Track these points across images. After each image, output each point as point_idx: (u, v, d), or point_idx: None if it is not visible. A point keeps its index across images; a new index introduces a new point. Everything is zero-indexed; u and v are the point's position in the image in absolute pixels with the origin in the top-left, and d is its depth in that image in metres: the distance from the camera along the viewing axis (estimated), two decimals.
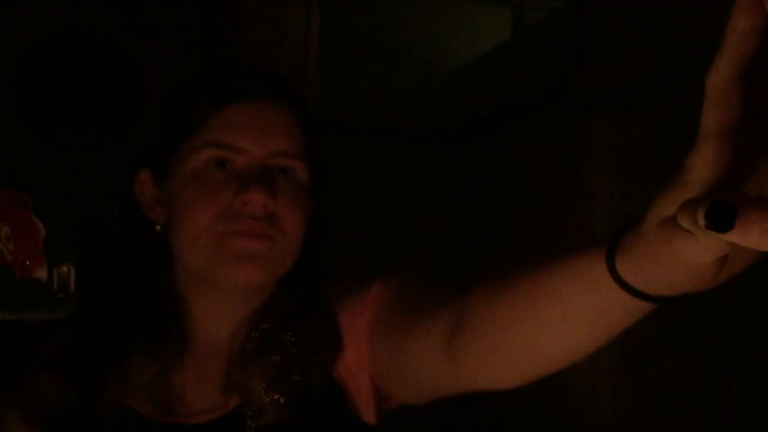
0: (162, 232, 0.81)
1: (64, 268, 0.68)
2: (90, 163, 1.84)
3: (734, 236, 0.33)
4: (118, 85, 1.93)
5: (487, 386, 0.68)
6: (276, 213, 0.77)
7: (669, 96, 1.69)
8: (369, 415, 0.81)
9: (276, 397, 0.78)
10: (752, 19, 0.37)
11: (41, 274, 0.67)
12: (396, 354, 0.76)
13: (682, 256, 0.41)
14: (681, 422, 1.64)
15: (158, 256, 0.81)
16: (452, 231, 2.65)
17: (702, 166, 0.40)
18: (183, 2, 1.95)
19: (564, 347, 0.60)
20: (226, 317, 0.82)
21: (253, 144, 0.77)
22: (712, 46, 0.40)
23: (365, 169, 2.55)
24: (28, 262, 0.67)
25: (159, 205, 0.81)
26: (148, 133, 0.88)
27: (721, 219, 0.33)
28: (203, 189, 0.77)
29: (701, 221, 0.34)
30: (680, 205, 0.36)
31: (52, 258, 0.67)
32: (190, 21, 1.95)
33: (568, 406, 1.95)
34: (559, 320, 0.57)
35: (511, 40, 2.69)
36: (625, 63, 1.84)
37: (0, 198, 0.65)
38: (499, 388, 0.67)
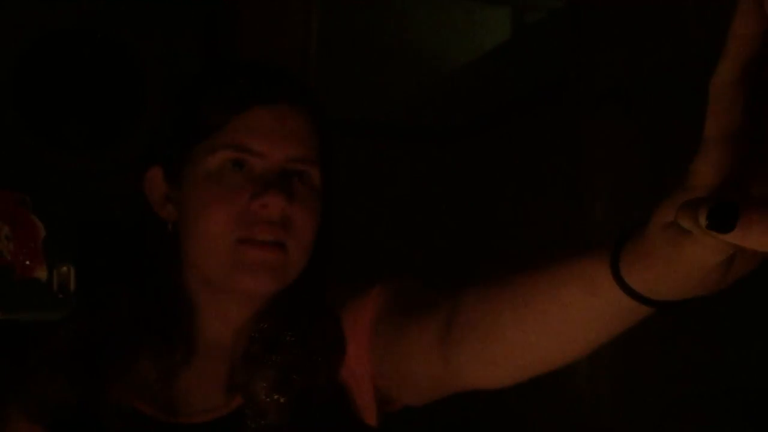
0: (173, 230, 0.81)
1: (64, 268, 0.68)
2: (90, 163, 1.84)
3: (736, 237, 0.33)
4: (118, 85, 1.93)
5: (480, 384, 0.68)
6: (291, 217, 0.77)
7: (669, 96, 1.69)
8: (371, 417, 0.81)
9: (277, 397, 0.78)
10: (754, 24, 0.37)
11: (41, 274, 0.67)
12: (394, 355, 0.76)
13: (687, 259, 0.41)
14: (681, 422, 1.64)
15: (168, 256, 0.81)
16: (452, 231, 2.65)
17: (706, 170, 0.40)
18: (183, 2, 1.95)
19: (561, 347, 0.59)
20: (232, 318, 0.82)
21: (272, 148, 0.77)
22: (712, 46, 0.40)
23: (365, 169, 2.54)
24: (28, 262, 0.67)
25: (169, 202, 0.81)
26: (157, 130, 0.87)
27: (722, 220, 0.33)
28: (219, 190, 0.76)
29: (703, 222, 0.34)
30: (681, 205, 0.36)
31: (52, 258, 0.67)
32: (190, 21, 1.95)
33: (567, 405, 1.95)
34: (557, 321, 0.56)
35: (511, 40, 2.69)
36: (625, 63, 1.84)
37: (0, 198, 0.65)
38: (493, 387, 0.67)
